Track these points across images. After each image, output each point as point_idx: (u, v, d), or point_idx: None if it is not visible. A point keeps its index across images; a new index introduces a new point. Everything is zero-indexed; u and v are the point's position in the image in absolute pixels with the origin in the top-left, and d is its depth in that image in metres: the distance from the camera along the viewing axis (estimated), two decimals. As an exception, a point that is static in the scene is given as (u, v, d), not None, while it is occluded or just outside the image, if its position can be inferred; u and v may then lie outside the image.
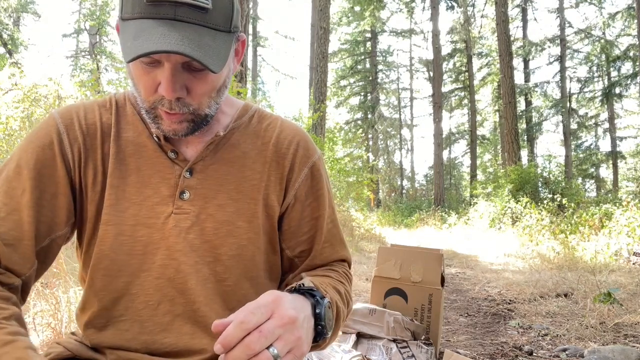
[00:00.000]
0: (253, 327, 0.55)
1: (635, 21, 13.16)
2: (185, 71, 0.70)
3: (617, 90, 17.88)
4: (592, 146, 21.70)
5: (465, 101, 25.85)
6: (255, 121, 0.87)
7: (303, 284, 0.69)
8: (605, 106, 19.94)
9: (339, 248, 0.89)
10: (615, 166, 20.24)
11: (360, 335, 2.10)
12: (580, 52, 21.06)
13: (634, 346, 2.40)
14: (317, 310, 0.65)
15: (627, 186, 15.33)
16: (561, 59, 20.67)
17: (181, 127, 0.74)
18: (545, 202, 9.77)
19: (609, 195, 13.32)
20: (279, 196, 0.83)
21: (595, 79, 20.53)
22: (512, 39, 16.87)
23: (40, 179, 0.74)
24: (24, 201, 0.72)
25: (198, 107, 0.73)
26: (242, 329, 0.54)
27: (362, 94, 27.26)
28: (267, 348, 0.55)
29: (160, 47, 0.63)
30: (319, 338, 0.66)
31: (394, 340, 2.05)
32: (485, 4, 20.93)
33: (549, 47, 20.82)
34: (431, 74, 24.61)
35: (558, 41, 20.56)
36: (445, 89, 24.86)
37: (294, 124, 0.90)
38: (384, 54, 27.52)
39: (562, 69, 20.54)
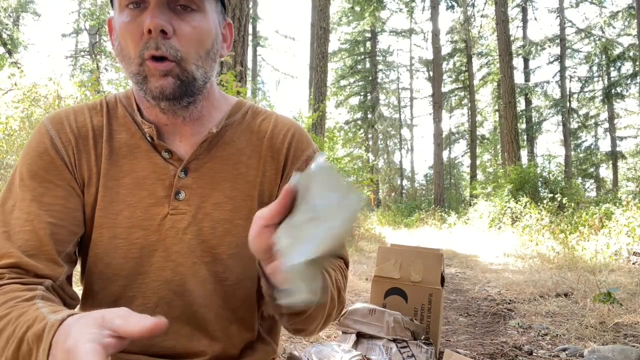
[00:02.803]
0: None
1: (635, 21, 13.16)
2: (170, 11, 0.70)
3: (618, 90, 17.88)
4: (592, 146, 21.71)
5: (465, 101, 25.84)
6: (249, 117, 0.86)
7: None
8: (605, 106, 19.94)
9: None
10: (615, 166, 20.24)
11: (360, 335, 2.10)
12: (581, 51, 21.07)
13: (634, 346, 2.40)
14: None
15: (627, 186, 15.33)
16: (561, 58, 20.67)
17: (167, 82, 0.71)
18: (545, 201, 9.76)
19: (609, 195, 13.31)
20: (274, 191, 0.82)
21: (595, 79, 20.54)
22: (512, 38, 16.87)
23: (46, 185, 0.74)
24: (33, 210, 0.72)
25: (185, 57, 0.71)
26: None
27: (362, 93, 27.25)
28: None
29: None
30: None
31: (394, 340, 2.04)
32: (485, 3, 20.94)
33: (549, 46, 20.82)
34: (431, 73, 24.61)
35: (558, 41, 20.55)
36: (445, 88, 24.85)
37: (289, 118, 0.89)
38: (383, 54, 27.51)
39: (562, 69, 20.54)
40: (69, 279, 0.76)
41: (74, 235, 0.75)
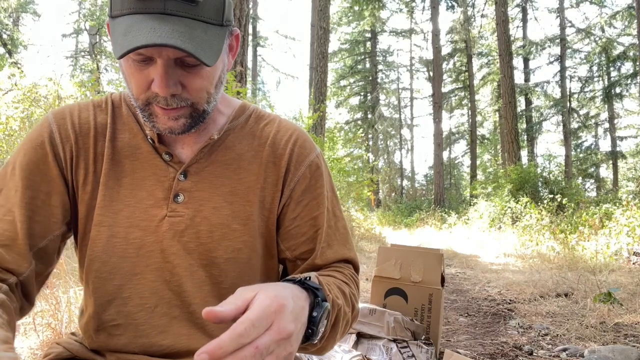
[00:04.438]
0: (250, 341, 0.49)
1: (635, 21, 13.16)
2: (178, 67, 0.68)
3: (618, 90, 17.89)
4: (592, 146, 21.70)
5: (465, 101, 25.85)
6: (252, 122, 0.86)
7: (309, 278, 0.64)
8: (606, 106, 19.94)
9: (340, 248, 0.84)
10: (615, 166, 20.24)
11: (360, 335, 2.10)
12: (581, 51, 21.07)
13: (634, 346, 2.40)
14: (314, 314, 0.61)
15: (627, 186, 15.30)
16: (561, 58, 20.67)
17: (178, 124, 0.72)
18: (545, 202, 9.76)
19: (609, 195, 13.31)
20: (275, 197, 0.82)
21: (596, 79, 20.54)
22: (512, 38, 16.88)
23: (33, 178, 0.74)
24: (16, 201, 0.72)
25: (196, 102, 0.71)
26: (239, 343, 0.49)
27: (362, 94, 27.26)
28: None
29: (150, 40, 0.61)
30: (306, 342, 0.61)
31: (394, 340, 2.04)
32: (485, 3, 20.93)
33: (549, 46, 20.83)
34: (431, 74, 24.61)
35: (558, 41, 20.56)
36: (445, 89, 24.86)
37: (292, 123, 0.88)
38: (384, 54, 27.52)
39: (562, 69, 20.54)
40: (39, 280, 0.76)
41: (49, 232, 0.75)
